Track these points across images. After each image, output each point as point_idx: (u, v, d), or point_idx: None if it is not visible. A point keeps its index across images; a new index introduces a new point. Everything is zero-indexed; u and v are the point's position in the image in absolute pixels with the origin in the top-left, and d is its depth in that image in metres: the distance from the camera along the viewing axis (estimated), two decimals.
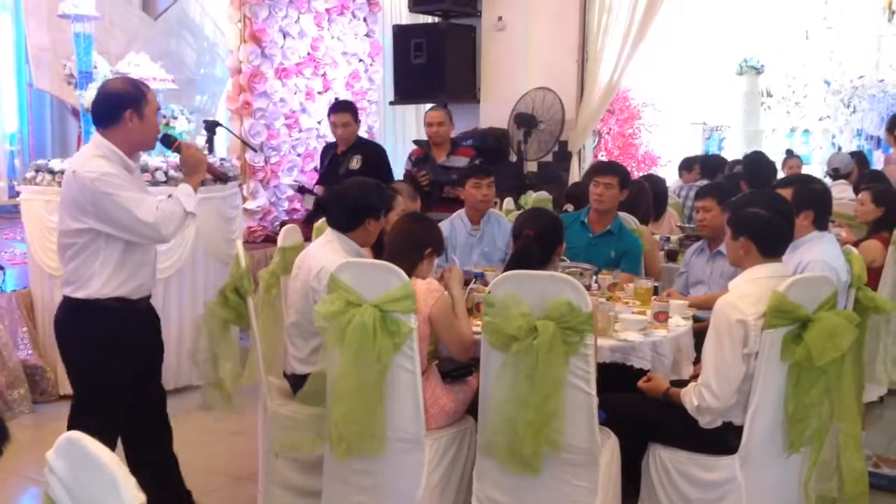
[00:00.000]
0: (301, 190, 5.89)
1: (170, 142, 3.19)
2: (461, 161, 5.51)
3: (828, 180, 6.74)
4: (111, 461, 1.20)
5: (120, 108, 2.89)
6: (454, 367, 3.16)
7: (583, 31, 7.53)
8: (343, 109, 5.64)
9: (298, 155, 6.89)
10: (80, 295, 2.91)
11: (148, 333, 3.17)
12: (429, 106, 6.50)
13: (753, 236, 2.89)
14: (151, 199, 2.92)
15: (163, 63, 5.54)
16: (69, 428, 1.62)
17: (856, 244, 4.51)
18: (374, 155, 5.68)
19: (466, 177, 4.70)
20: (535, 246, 3.24)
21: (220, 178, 3.59)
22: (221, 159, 5.73)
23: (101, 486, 1.20)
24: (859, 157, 7.24)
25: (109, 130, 2.91)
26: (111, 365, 2.95)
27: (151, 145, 3.08)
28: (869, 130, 11.27)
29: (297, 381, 3.40)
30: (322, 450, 3.15)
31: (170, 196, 3.02)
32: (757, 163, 5.34)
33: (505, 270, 3.11)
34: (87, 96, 4.71)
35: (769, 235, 2.91)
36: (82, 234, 2.86)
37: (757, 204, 2.97)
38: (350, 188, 3.48)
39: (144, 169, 4.56)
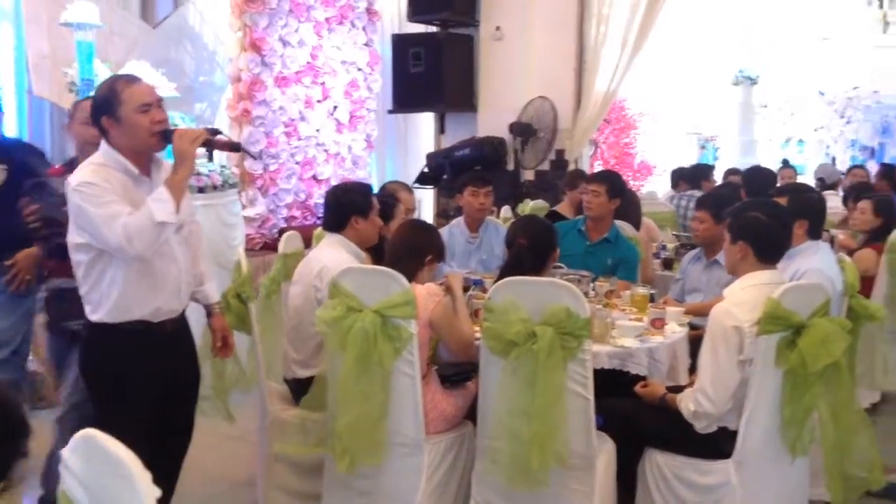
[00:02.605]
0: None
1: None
2: None
3: None
4: (127, 457, 1.23)
5: (98, 114, 2.68)
6: (453, 371, 3.20)
7: (580, 41, 7.59)
8: None
9: (297, 163, 6.93)
10: (95, 318, 2.68)
11: (173, 359, 2.82)
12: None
13: (752, 241, 2.95)
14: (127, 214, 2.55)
15: (164, 71, 5.58)
16: None
17: (851, 252, 4.55)
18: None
19: (465, 185, 4.75)
20: (527, 254, 3.30)
21: (231, 147, 2.99)
22: (221, 166, 5.77)
23: (118, 481, 1.23)
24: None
25: (105, 136, 2.71)
26: (129, 395, 2.70)
27: (150, 144, 2.67)
28: (863, 141, 11.35)
29: (297, 386, 3.44)
30: (321, 454, 3.19)
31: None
32: (756, 174, 5.40)
33: (498, 278, 3.16)
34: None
35: (767, 241, 2.96)
36: (83, 249, 2.64)
37: (756, 210, 3.02)
38: (334, 188, 3.73)
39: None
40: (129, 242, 2.51)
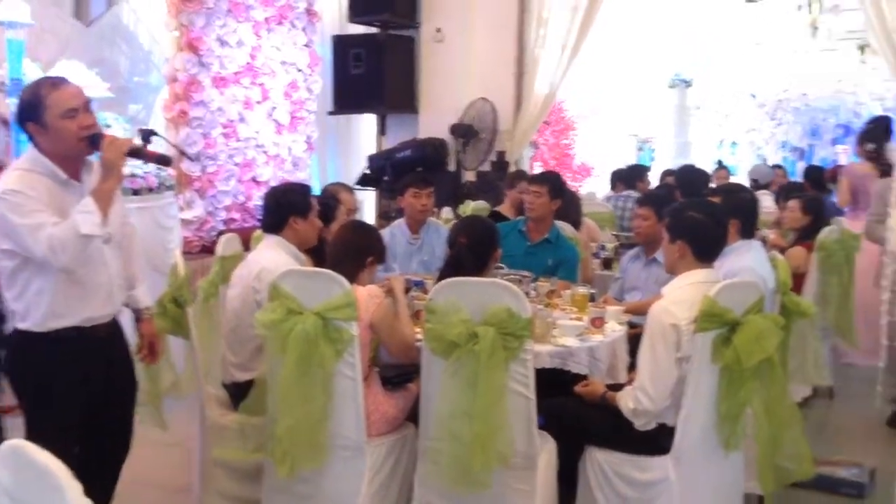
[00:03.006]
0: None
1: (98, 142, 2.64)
2: None
3: None
4: (56, 467, 1.19)
5: (23, 119, 2.59)
6: (395, 373, 3.18)
7: (520, 43, 7.64)
8: None
9: (236, 164, 6.83)
10: (23, 326, 2.60)
11: (106, 363, 2.75)
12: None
13: (690, 240, 3.00)
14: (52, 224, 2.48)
15: (98, 71, 5.46)
16: None
17: (782, 251, 4.67)
18: None
19: (407, 186, 4.74)
20: (468, 254, 3.30)
21: (161, 160, 2.94)
22: (157, 169, 5.66)
23: (47, 493, 1.20)
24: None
25: (32, 141, 2.63)
26: (57, 403, 2.63)
27: (78, 149, 2.59)
28: (793, 142, 11.66)
29: (236, 390, 3.39)
30: (260, 459, 3.14)
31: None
32: (690, 174, 5.51)
33: (438, 278, 3.16)
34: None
35: (705, 240, 3.03)
36: (8, 255, 2.55)
37: (694, 209, 3.08)
38: (273, 189, 3.73)
39: None
40: (54, 254, 2.45)
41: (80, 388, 2.67)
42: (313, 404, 2.87)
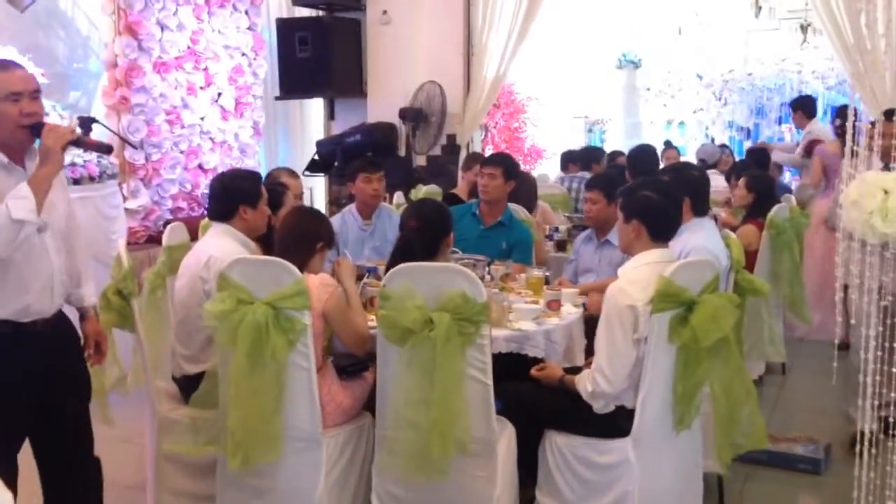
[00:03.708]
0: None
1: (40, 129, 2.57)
2: None
3: None
4: None
5: None
6: (350, 362, 3.12)
7: (468, 25, 7.57)
8: None
9: (181, 152, 6.66)
10: None
11: (49, 360, 2.64)
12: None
13: (644, 219, 2.98)
14: None
15: (31, 56, 5.26)
16: None
17: (734, 229, 4.71)
18: None
19: (357, 171, 4.66)
20: (417, 237, 3.24)
21: (102, 149, 2.90)
22: (98, 157, 5.49)
23: None
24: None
25: None
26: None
27: (18, 137, 2.52)
28: (739, 122, 11.78)
29: (187, 383, 3.30)
30: (213, 453, 3.06)
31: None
32: (641, 153, 5.50)
33: (389, 263, 3.10)
34: None
35: (660, 219, 3.01)
36: None
37: (647, 189, 3.06)
38: (221, 175, 3.61)
39: None
40: None
41: (23, 386, 2.57)
42: (266, 396, 2.80)
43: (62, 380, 2.73)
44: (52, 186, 2.52)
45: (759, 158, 6.86)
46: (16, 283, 2.53)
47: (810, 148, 6.75)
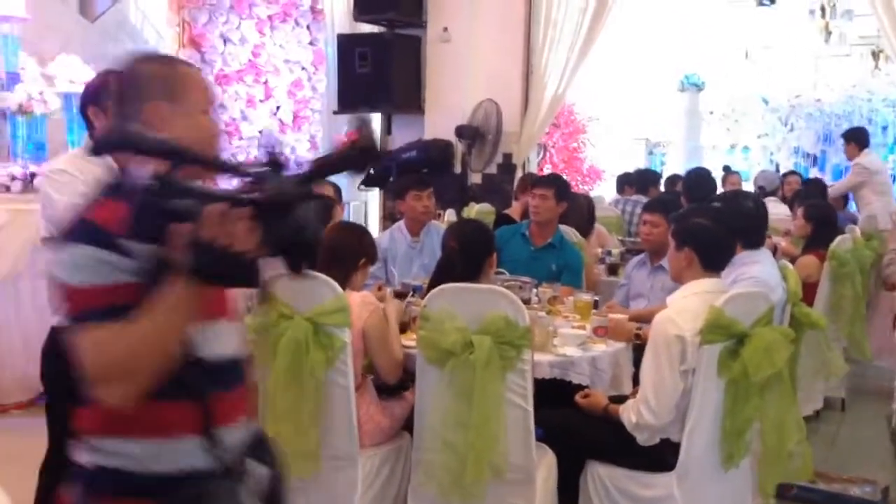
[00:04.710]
0: None
1: None
2: None
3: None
4: None
5: None
6: None
7: (528, 43, 7.54)
8: None
9: None
10: None
11: None
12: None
13: (697, 247, 2.88)
14: None
15: (95, 66, 5.37)
16: None
17: (793, 260, 4.55)
18: None
19: (406, 189, 4.64)
20: (458, 257, 3.18)
21: None
22: None
23: None
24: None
25: None
26: None
27: None
28: (806, 148, 11.49)
29: None
30: None
31: None
32: (698, 177, 5.37)
33: (429, 284, 3.05)
34: (13, 98, 4.56)
35: (713, 248, 2.91)
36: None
37: (702, 216, 2.97)
38: None
39: None
40: None
41: None
42: (303, 412, 2.77)
43: None
44: None
45: (818, 187, 6.67)
46: None
47: None
